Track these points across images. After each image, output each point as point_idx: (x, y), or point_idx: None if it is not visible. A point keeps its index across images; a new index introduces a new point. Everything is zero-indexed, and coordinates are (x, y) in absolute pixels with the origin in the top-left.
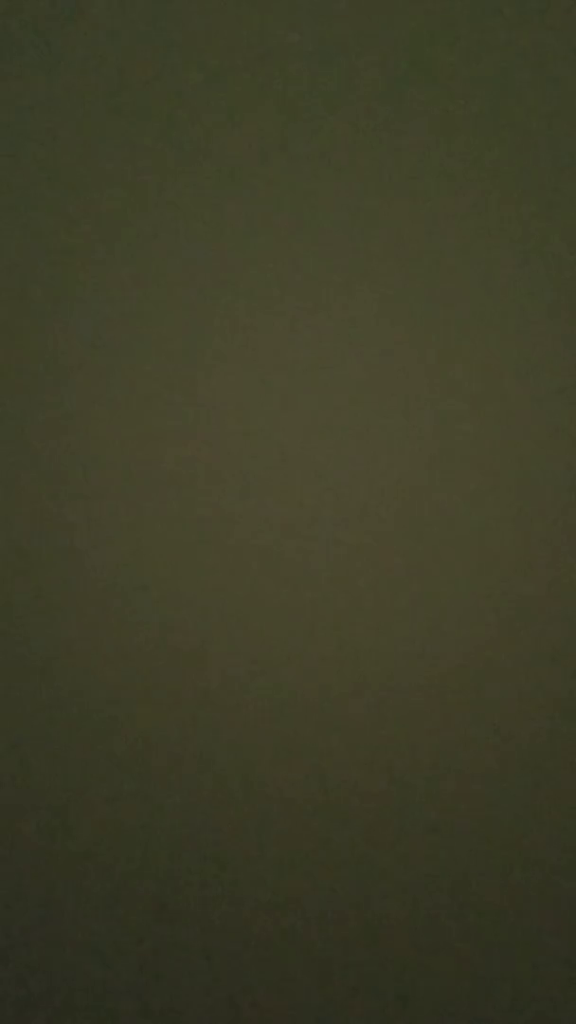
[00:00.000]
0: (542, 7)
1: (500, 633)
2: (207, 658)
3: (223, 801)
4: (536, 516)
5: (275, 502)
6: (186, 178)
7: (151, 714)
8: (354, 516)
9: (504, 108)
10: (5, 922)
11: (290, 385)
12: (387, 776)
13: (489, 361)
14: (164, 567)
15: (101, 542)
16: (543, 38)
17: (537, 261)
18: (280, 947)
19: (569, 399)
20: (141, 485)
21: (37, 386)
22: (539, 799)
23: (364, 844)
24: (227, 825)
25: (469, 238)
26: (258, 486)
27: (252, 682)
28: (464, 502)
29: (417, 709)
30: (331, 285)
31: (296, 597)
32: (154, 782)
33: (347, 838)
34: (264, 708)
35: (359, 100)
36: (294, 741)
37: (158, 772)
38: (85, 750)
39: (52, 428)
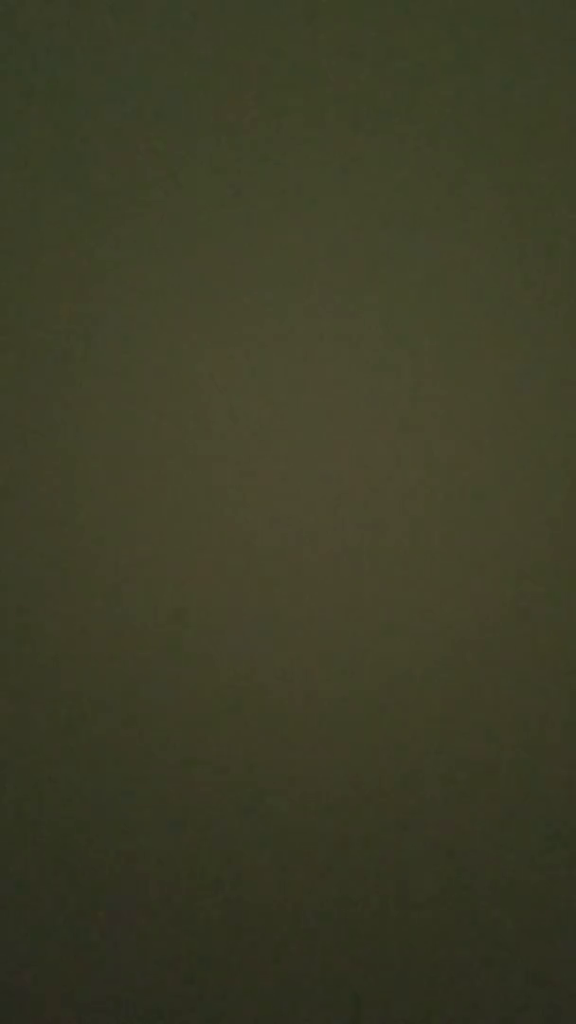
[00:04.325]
0: (542, 16)
1: (501, 635)
2: (208, 659)
3: (224, 798)
4: (537, 519)
5: (276, 506)
6: (187, 181)
7: (151, 713)
8: (355, 520)
9: (504, 115)
10: (5, 922)
11: (291, 386)
12: (388, 776)
13: (490, 365)
14: (165, 570)
15: (102, 547)
16: (543, 46)
17: (538, 267)
18: (281, 948)
19: (571, 403)
20: (142, 489)
21: (39, 390)
22: (540, 798)
23: (365, 845)
24: (228, 824)
25: (470, 245)
26: (259, 489)
27: (252, 682)
28: (465, 503)
29: (418, 710)
30: (332, 290)
31: (297, 600)
32: (154, 781)
33: (348, 838)
34: (264, 709)
35: (359, 107)
36: (294, 741)
37: (158, 770)
38: (84, 748)
39: (53, 433)
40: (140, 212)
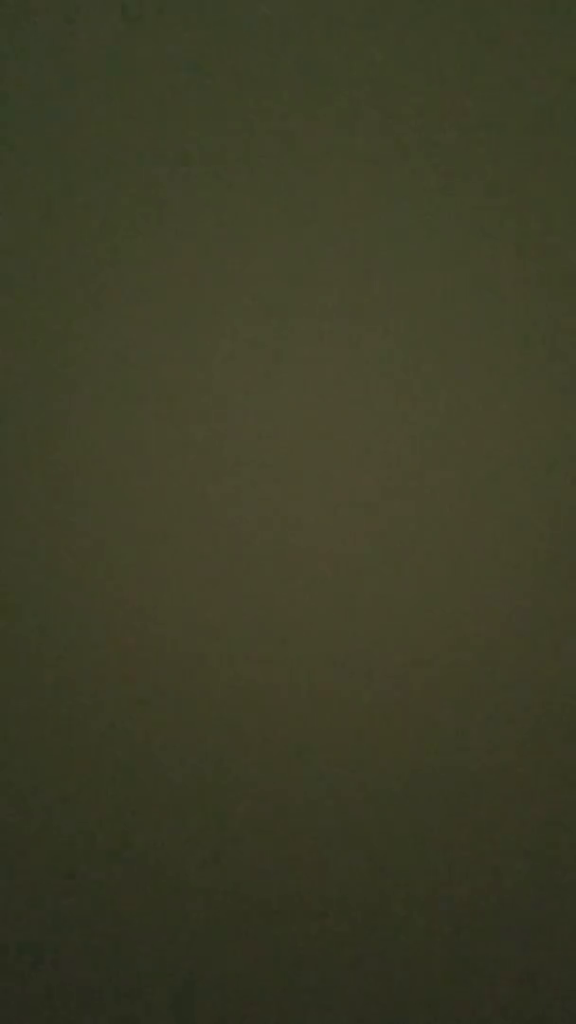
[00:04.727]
0: (542, 16)
1: (501, 630)
2: (208, 658)
3: (224, 799)
4: (536, 514)
5: (276, 504)
6: (188, 184)
7: (151, 713)
8: (355, 519)
9: (504, 117)
10: (5, 924)
11: (290, 384)
12: (389, 774)
13: (488, 363)
14: (165, 568)
15: (103, 543)
16: (543, 46)
17: (541, 269)
18: (280, 949)
19: (568, 400)
20: (143, 486)
21: (39, 390)
22: (541, 796)
23: (365, 843)
24: (228, 822)
25: (470, 248)
26: (259, 487)
27: (253, 682)
28: (466, 503)
29: (419, 709)
30: (332, 291)
31: (296, 600)
32: (154, 777)
33: (348, 836)
34: (265, 708)
35: (359, 111)
36: (295, 739)
37: (158, 767)
38: (84, 747)
39: (53, 434)
40: (140, 212)
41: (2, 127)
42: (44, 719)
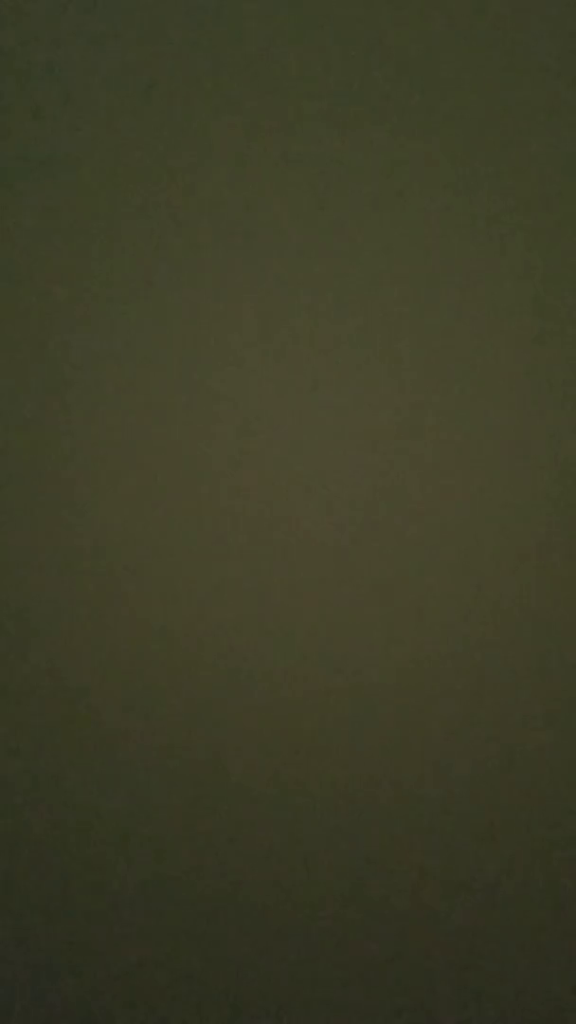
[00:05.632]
0: (543, 14)
1: (499, 630)
2: (208, 655)
3: (223, 796)
4: (534, 514)
5: (276, 505)
6: (189, 186)
7: (152, 710)
8: (354, 519)
9: (504, 120)
10: (6, 920)
11: (291, 385)
12: (387, 773)
13: (487, 365)
14: (166, 566)
15: (103, 541)
16: (544, 44)
17: (542, 271)
18: (279, 947)
19: (568, 400)
20: (144, 485)
21: (40, 389)
22: (539, 796)
23: (363, 842)
24: (227, 820)
25: (469, 248)
26: (259, 487)
27: (251, 680)
28: (463, 503)
29: (416, 708)
30: (332, 292)
31: (296, 599)
32: (154, 774)
33: (346, 833)
34: (264, 707)
35: (360, 113)
36: (293, 738)
37: (158, 764)
38: (84, 743)
39: (53, 433)
40: (140, 213)
41: (3, 125)
42: (44, 718)
